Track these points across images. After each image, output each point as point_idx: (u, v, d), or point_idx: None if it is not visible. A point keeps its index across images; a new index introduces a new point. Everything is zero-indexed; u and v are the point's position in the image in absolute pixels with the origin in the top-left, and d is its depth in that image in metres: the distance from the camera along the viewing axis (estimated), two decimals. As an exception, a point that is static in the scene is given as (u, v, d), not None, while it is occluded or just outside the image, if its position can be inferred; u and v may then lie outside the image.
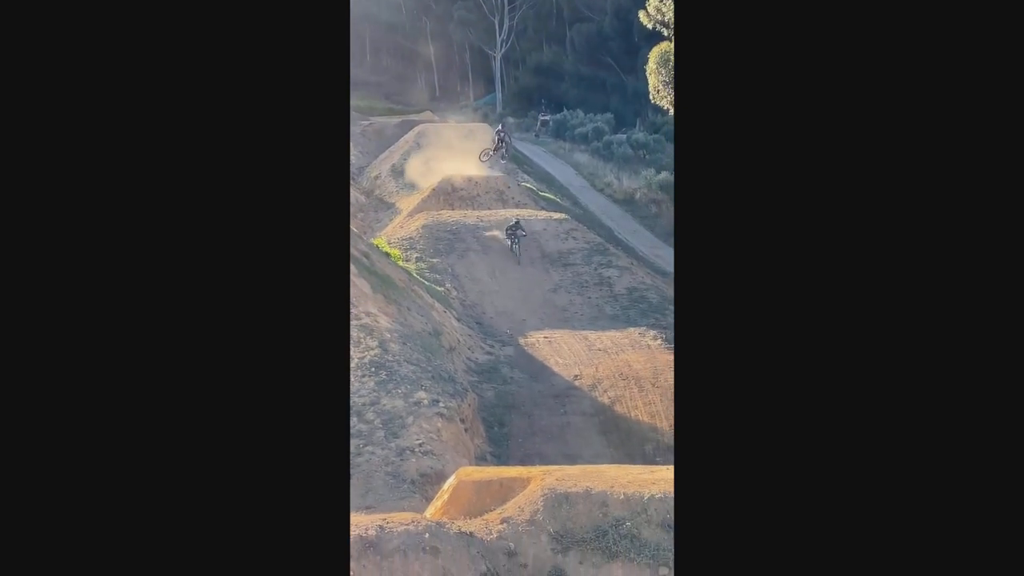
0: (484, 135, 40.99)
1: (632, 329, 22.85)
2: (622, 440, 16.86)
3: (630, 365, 20.87)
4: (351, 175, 38.49)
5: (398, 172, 37.33)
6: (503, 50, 58.51)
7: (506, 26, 57.93)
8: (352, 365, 17.87)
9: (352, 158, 39.67)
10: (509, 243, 27.72)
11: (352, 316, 19.04)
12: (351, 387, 17.31)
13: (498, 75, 59.09)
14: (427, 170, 35.49)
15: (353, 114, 44.71)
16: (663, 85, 38.45)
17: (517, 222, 28.37)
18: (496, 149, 36.48)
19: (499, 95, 58.50)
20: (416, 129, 41.25)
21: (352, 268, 20.51)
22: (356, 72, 57.81)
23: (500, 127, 37.90)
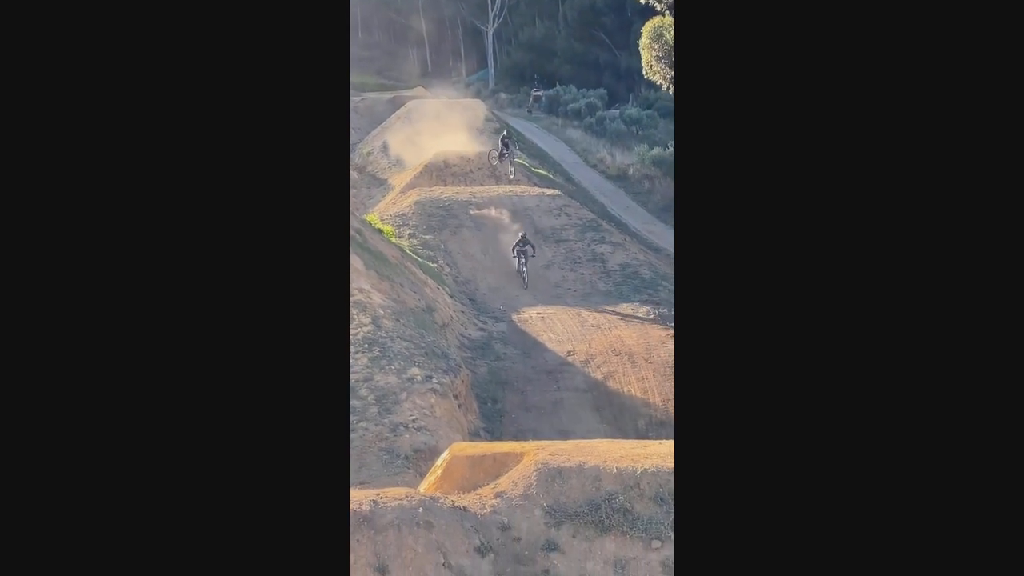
0: (476, 111, 40.75)
1: (625, 305, 22.90)
2: (615, 415, 16.90)
3: (623, 341, 20.89)
4: (352, 153, 38.33)
5: (390, 148, 37.20)
6: (496, 25, 58.30)
7: (499, 1, 57.66)
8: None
9: (355, 134, 39.51)
10: (516, 263, 25.36)
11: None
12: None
13: (491, 50, 58.88)
14: (419, 146, 35.37)
15: (359, 92, 44.46)
16: (656, 60, 38.28)
17: (523, 237, 25.51)
18: (501, 155, 33.22)
19: (491, 71, 58.32)
20: (408, 105, 41.10)
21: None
22: (355, 49, 57.54)
23: (504, 132, 33.92)
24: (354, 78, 47.51)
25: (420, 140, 35.93)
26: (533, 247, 25.06)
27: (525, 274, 25.00)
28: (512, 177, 31.56)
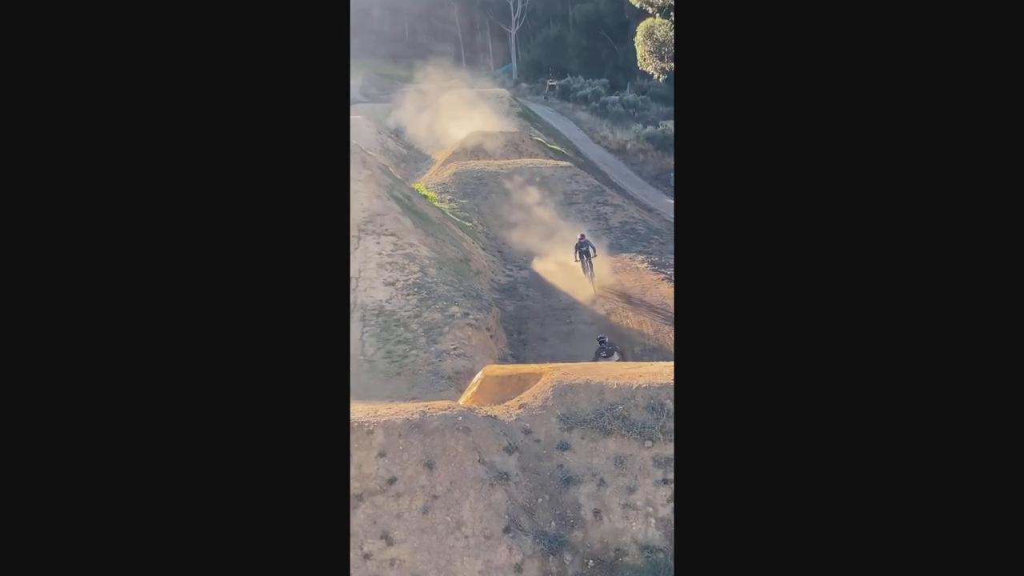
0: (502, 98, 40.38)
1: (624, 255, 22.76)
2: (616, 343, 16.91)
3: (622, 284, 20.89)
4: (398, 132, 38.13)
5: (433, 130, 36.99)
6: (517, 27, 57.75)
7: (520, 7, 57.12)
8: (399, 285, 17.92)
9: (397, 119, 39.25)
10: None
11: (398, 247, 19.04)
12: (398, 304, 17.40)
13: (513, 48, 58.31)
14: (457, 127, 35.16)
15: (396, 82, 44.08)
16: (649, 54, 37.92)
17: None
18: (583, 265, 20.69)
19: (514, 65, 57.79)
20: (448, 94, 40.78)
21: (397, 208, 20.42)
22: (398, 47, 56.91)
23: (581, 235, 21.13)
24: (404, 72, 47.14)
25: (457, 123, 35.69)
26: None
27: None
28: (593, 280, 20.65)
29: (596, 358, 15.52)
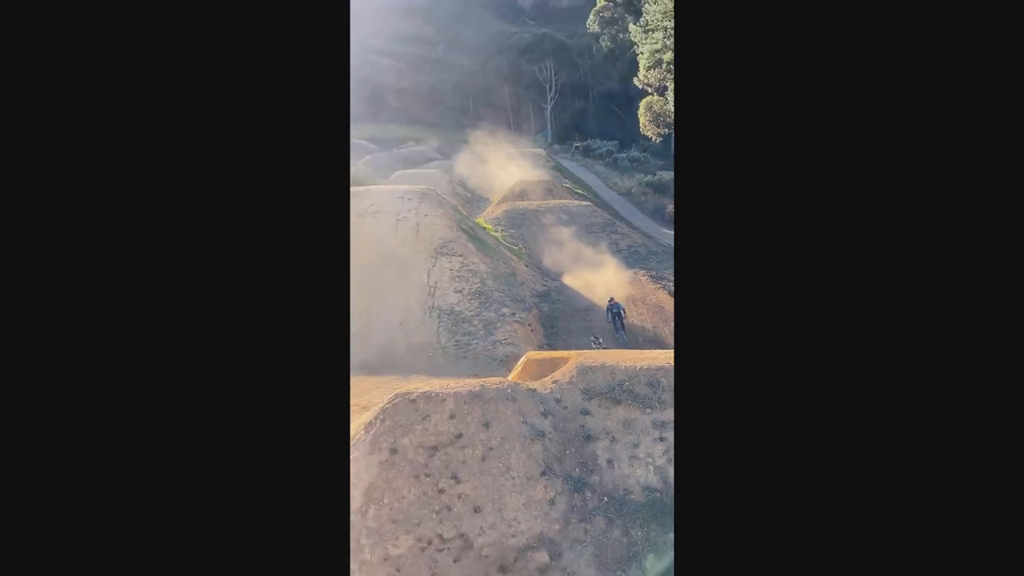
0: (539, 155, 40.53)
1: (630, 271, 22.69)
2: (601, 337, 16.94)
3: (629, 292, 20.86)
4: (463, 181, 38.37)
5: (489, 179, 37.21)
6: (552, 103, 57.71)
7: (554, 88, 57.13)
8: (465, 293, 18.12)
9: (464, 170, 39.52)
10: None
11: (464, 264, 19.23)
12: (464, 307, 17.58)
13: (548, 118, 58.29)
14: (506, 177, 35.34)
15: (462, 145, 44.33)
16: (648, 123, 37.99)
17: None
18: (615, 325, 17.86)
19: (549, 131, 57.73)
20: (499, 152, 41.00)
21: (464, 236, 20.59)
22: (464, 119, 57.16)
23: (611, 299, 18.68)
24: (465, 136, 47.34)
25: (506, 173, 35.88)
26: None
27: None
28: (623, 340, 17.44)
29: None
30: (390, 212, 20.47)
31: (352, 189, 23.27)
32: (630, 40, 42.21)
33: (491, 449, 9.39)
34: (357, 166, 38.67)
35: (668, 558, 8.61)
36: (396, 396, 9.94)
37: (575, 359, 10.90)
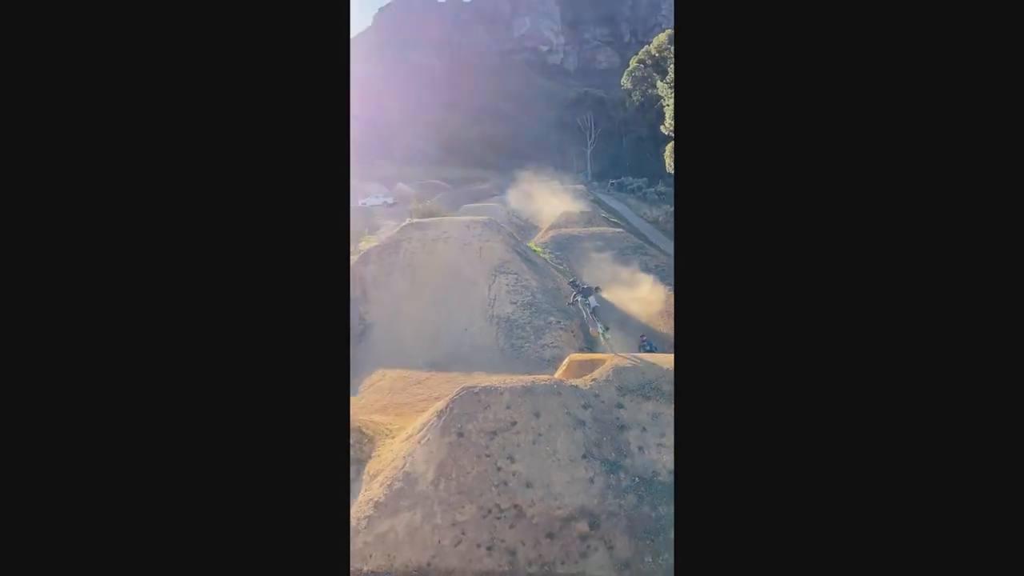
0: (580, 190, 40.26)
1: (659, 286, 22.29)
2: (649, 333, 16.52)
3: (659, 309, 20.39)
4: (519, 212, 38.29)
5: (539, 209, 37.22)
6: (591, 147, 57.72)
7: (593, 135, 57.23)
8: (519, 304, 18.05)
9: (519, 204, 39.44)
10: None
11: (519, 281, 19.19)
12: (518, 316, 17.51)
13: (588, 160, 58.21)
14: (552, 208, 35.26)
15: (516, 183, 44.34)
16: (672, 163, 37.29)
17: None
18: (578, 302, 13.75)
19: (589, 170, 57.62)
20: (547, 188, 41.02)
21: (518, 257, 20.54)
22: (518, 161, 57.34)
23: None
24: (523, 174, 47.36)
25: (552, 205, 35.79)
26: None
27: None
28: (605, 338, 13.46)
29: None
30: (458, 238, 20.69)
31: (428, 220, 23.55)
32: (657, 94, 41.72)
33: (540, 435, 9.29)
34: (433, 201, 39.21)
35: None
36: (463, 389, 10.00)
37: (611, 360, 10.70)
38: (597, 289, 14.18)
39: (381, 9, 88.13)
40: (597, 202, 39.96)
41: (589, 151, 58.55)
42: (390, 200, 47.99)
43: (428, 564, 8.62)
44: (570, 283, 15.27)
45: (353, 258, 20.32)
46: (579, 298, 13.77)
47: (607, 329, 13.59)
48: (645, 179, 47.61)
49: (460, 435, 9.40)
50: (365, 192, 48.05)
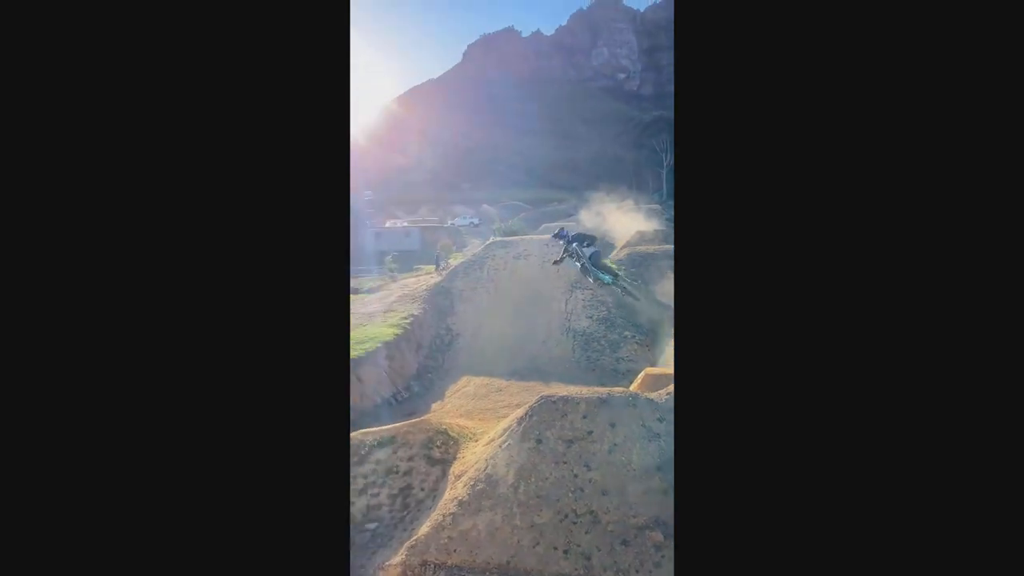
0: (654, 209, 39.50)
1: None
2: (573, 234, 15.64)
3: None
4: (602, 232, 38.01)
5: (614, 228, 36.98)
6: (666, 168, 56.67)
7: (668, 157, 56.29)
8: (595, 318, 18.04)
9: (592, 223, 39.30)
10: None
11: (594, 296, 19.20)
12: (594, 330, 17.50)
13: (663, 180, 57.08)
14: (627, 227, 34.92)
15: (593, 204, 44.24)
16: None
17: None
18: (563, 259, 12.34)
19: (664, 189, 56.57)
20: (622, 207, 40.66)
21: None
22: (595, 182, 57.38)
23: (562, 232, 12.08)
24: (600, 195, 47.21)
25: (626, 224, 35.43)
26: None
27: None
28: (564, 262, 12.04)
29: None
30: (537, 256, 21.04)
31: (510, 239, 24.08)
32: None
33: (616, 445, 9.19)
34: (515, 220, 39.91)
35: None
36: (542, 398, 10.08)
37: (686, 375, 10.42)
38: (593, 239, 11.35)
39: (470, 45, 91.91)
40: (670, 221, 39.01)
41: (664, 172, 57.46)
42: (476, 220, 49.36)
43: (508, 563, 8.77)
44: (554, 236, 11.75)
45: (443, 275, 21.13)
46: (575, 246, 11.01)
47: (617, 277, 11.33)
48: None
49: (539, 441, 9.53)
50: (453, 213, 49.76)
